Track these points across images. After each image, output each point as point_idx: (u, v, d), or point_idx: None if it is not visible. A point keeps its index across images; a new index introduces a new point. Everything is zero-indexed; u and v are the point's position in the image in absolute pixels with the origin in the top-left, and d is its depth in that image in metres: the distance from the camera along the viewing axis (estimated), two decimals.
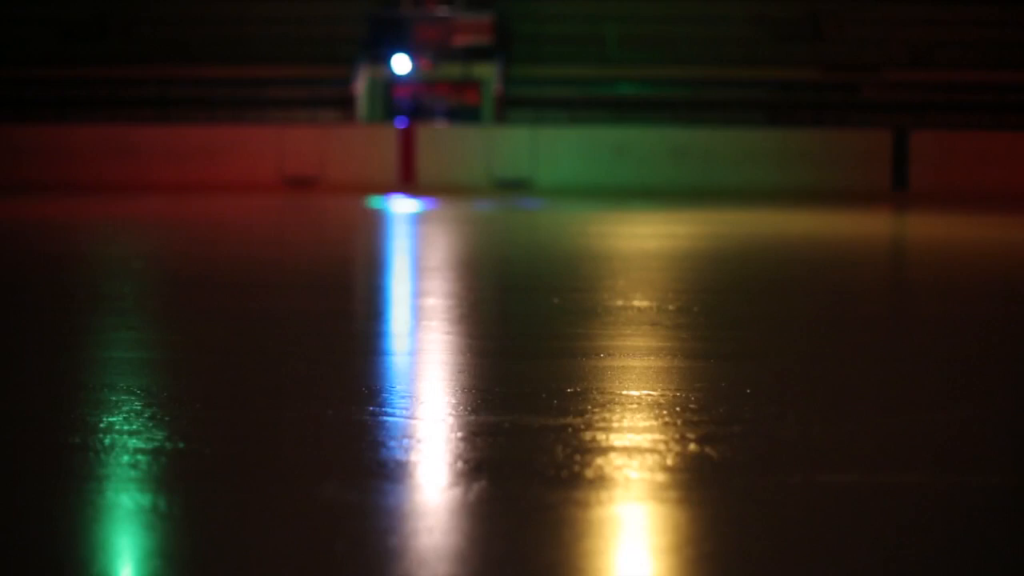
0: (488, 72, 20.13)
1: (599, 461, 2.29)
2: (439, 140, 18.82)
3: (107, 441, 2.44)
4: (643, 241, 8.64)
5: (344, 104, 20.17)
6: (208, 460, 2.34)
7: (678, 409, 2.75)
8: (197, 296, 5.14)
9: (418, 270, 6.46)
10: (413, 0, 21.04)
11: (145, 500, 2.07)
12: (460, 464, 2.29)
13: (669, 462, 2.28)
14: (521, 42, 19.46)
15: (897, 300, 4.15)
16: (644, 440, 2.47)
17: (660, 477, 2.19)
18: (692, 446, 2.40)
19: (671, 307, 4.59)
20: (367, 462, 2.31)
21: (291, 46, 20.85)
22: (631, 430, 2.56)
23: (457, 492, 2.10)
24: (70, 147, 18.87)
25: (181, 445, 2.42)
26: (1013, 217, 10.92)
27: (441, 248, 8.14)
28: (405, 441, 2.47)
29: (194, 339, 3.86)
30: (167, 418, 2.67)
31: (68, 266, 6.68)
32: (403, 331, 4.06)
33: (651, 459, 2.30)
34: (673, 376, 3.26)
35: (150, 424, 2.60)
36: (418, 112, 20.35)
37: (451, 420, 2.65)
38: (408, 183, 18.40)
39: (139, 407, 2.75)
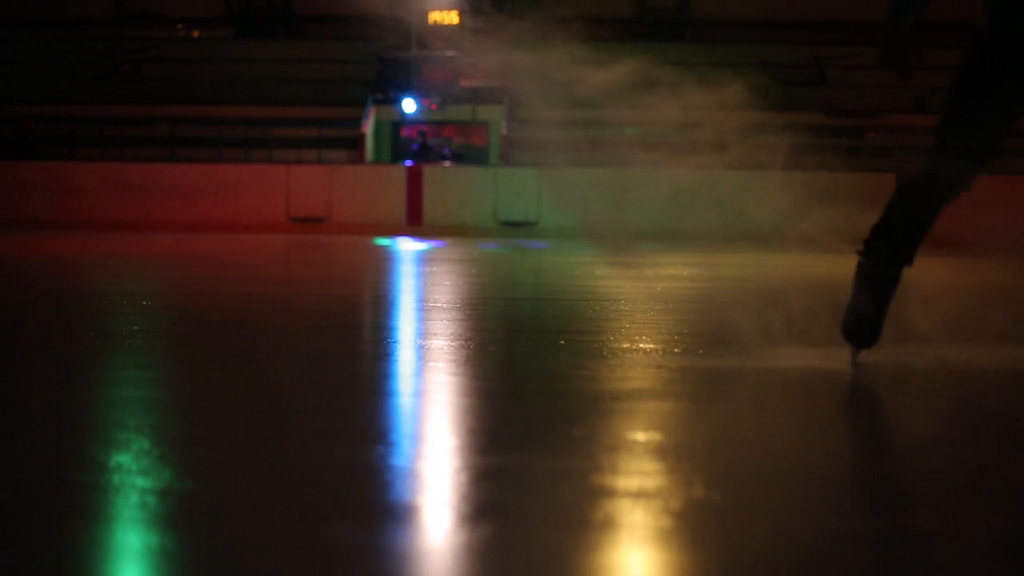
0: (495, 113, 20.21)
1: (606, 505, 2.30)
2: (446, 181, 18.89)
3: (116, 480, 2.45)
4: (648, 283, 8.66)
5: (351, 144, 20.23)
6: (216, 500, 2.35)
7: (684, 453, 2.76)
8: (205, 335, 5.16)
9: (424, 311, 6.48)
10: (421, 42, 21.17)
11: (153, 540, 2.08)
12: (467, 506, 2.30)
13: (675, 506, 2.29)
14: (528, 84, 19.57)
15: (903, 345, 4.16)
16: (650, 484, 2.48)
17: (666, 522, 2.19)
18: (698, 491, 2.41)
19: (676, 350, 4.60)
20: (374, 503, 2.32)
21: (299, 87, 20.96)
22: (637, 474, 2.57)
23: (464, 534, 2.11)
24: (78, 185, 18.95)
25: (189, 485, 2.44)
26: (1016, 262, 10.93)
27: (447, 289, 8.16)
28: (412, 483, 2.48)
29: (202, 378, 3.87)
30: (176, 458, 2.69)
31: (75, 304, 6.71)
32: (409, 372, 4.07)
33: (657, 503, 2.31)
34: (679, 419, 3.27)
35: (159, 464, 2.61)
36: (424, 153, 20.38)
37: (457, 462, 2.66)
38: (414, 223, 18.45)
39: (148, 446, 2.77)
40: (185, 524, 2.20)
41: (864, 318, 3.93)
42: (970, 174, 3.84)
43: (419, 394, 3.67)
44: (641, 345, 4.72)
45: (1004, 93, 3.73)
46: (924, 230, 3.94)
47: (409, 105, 20.45)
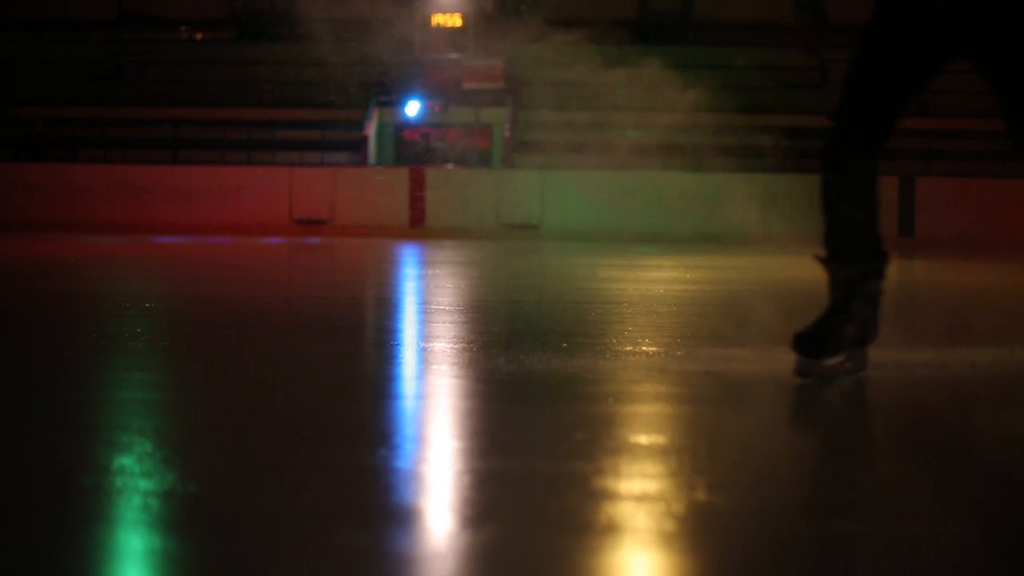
0: (498, 116, 20.20)
1: (608, 508, 2.30)
2: (448, 183, 18.88)
3: (119, 483, 2.45)
4: (651, 286, 8.66)
5: (354, 147, 20.23)
6: (219, 503, 2.35)
7: (687, 456, 2.76)
8: (207, 337, 5.17)
9: (427, 313, 6.48)
10: (424, 45, 21.16)
11: (156, 543, 2.08)
12: (469, 509, 2.30)
13: (678, 510, 2.29)
14: (531, 86, 19.58)
15: (907, 349, 4.16)
16: (653, 487, 2.48)
17: (669, 525, 2.19)
18: (700, 494, 2.41)
19: (679, 353, 4.60)
20: (378, 506, 2.32)
21: (301, 89, 20.95)
22: (640, 477, 2.57)
23: (467, 537, 2.11)
24: (81, 187, 18.95)
25: (192, 487, 2.44)
26: (1021, 265, 10.92)
27: (450, 291, 8.17)
28: (415, 485, 2.48)
29: (204, 381, 3.87)
30: (178, 460, 2.69)
31: (78, 305, 6.71)
32: (412, 375, 4.07)
33: (660, 507, 2.31)
34: (682, 423, 3.27)
35: (162, 466, 2.61)
36: (427, 156, 20.38)
37: (461, 465, 2.66)
38: (417, 226, 18.44)
39: (151, 448, 2.77)
40: (188, 527, 2.20)
41: (857, 320, 3.78)
42: (865, 161, 3.76)
43: (422, 397, 3.67)
44: (644, 348, 4.72)
45: (902, 55, 3.62)
46: (868, 213, 3.72)
47: (412, 108, 20.45)
